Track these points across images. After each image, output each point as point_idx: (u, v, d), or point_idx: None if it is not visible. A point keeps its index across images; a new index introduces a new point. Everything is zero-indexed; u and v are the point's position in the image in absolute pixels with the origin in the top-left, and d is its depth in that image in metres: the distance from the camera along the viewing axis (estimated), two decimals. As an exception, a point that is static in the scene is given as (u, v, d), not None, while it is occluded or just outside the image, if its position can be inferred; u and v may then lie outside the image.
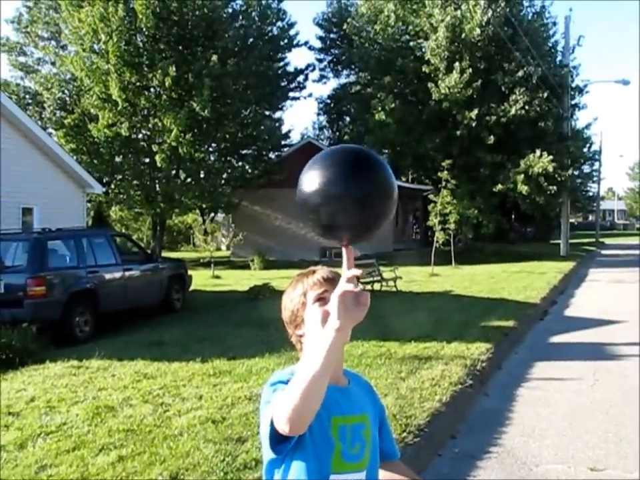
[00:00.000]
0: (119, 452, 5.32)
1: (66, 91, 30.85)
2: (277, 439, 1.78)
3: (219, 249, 35.79)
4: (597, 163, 53.06)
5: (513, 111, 29.33)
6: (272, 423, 1.75)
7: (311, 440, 1.89)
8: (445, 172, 24.91)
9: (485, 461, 5.70)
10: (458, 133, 29.68)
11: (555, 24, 35.16)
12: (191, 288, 16.06)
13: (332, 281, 2.00)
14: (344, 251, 1.70)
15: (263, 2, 30.28)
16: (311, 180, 1.69)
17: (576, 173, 36.18)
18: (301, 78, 34.55)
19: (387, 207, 1.74)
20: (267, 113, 32.60)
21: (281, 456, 1.89)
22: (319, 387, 1.64)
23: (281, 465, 1.92)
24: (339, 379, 2.03)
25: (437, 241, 25.07)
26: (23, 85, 33.44)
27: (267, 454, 1.93)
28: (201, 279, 19.65)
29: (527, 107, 29.58)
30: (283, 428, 1.69)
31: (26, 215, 16.41)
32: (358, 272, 1.64)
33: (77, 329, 11.47)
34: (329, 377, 1.66)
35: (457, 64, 28.84)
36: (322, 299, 1.99)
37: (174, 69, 24.59)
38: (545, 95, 30.32)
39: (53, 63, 31.87)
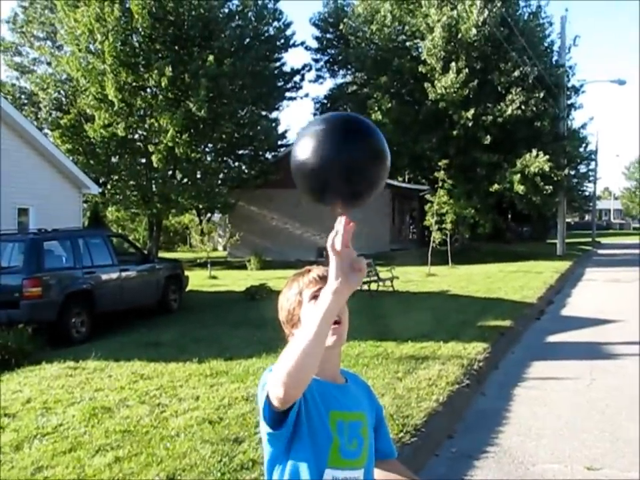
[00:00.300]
0: (115, 453, 5.31)
1: (62, 91, 30.81)
2: (273, 416, 1.78)
3: (215, 250, 35.75)
4: (593, 163, 53.21)
5: (509, 111, 29.36)
6: (267, 398, 1.75)
7: (309, 433, 1.89)
8: (442, 172, 24.92)
9: (482, 460, 5.70)
10: (454, 132, 29.71)
11: (551, 24, 35.25)
12: (188, 288, 16.05)
13: (327, 279, 2.00)
14: (339, 218, 1.71)
15: (260, 2, 30.28)
16: (304, 146, 1.69)
17: (572, 172, 36.27)
18: (297, 78, 34.59)
19: (378, 172, 1.72)
20: (264, 113, 32.58)
21: (280, 451, 1.90)
22: (314, 350, 1.64)
23: (280, 460, 1.92)
24: (336, 377, 2.04)
25: (434, 241, 25.08)
26: (19, 85, 33.40)
27: (267, 450, 1.93)
28: (197, 280, 19.64)
29: (523, 107, 29.60)
30: (277, 393, 1.68)
31: (22, 215, 16.38)
32: (351, 225, 1.67)
33: (73, 329, 11.45)
34: (324, 343, 1.67)
35: (453, 64, 28.86)
36: (317, 297, 1.98)
37: (170, 69, 24.57)
38: (541, 94, 30.36)
39: (49, 63, 31.82)
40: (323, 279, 2.00)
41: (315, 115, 41.50)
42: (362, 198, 1.72)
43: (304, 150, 1.68)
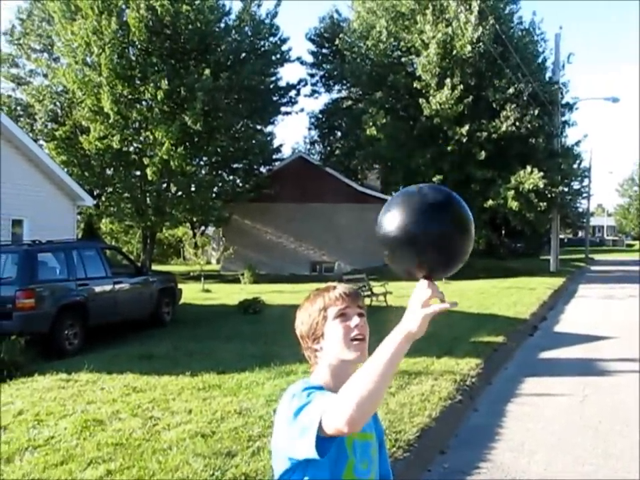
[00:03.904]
0: (107, 466, 5.29)
1: (58, 103, 30.82)
2: (321, 443, 1.79)
3: (209, 263, 35.70)
4: (586, 180, 53.41)
5: (503, 127, 29.45)
6: (320, 427, 1.76)
7: None
8: (436, 187, 24.94)
9: (475, 476, 5.70)
10: (449, 148, 29.78)
11: (544, 41, 35.44)
12: (181, 301, 16.01)
13: (353, 297, 2.06)
14: (425, 281, 1.79)
15: (256, 17, 30.41)
16: (390, 220, 1.81)
17: (566, 189, 36.35)
18: (292, 93, 34.62)
19: (464, 245, 1.83)
20: (259, 127, 32.62)
21: (295, 465, 1.91)
22: (384, 386, 1.71)
23: (294, 475, 1.94)
24: None
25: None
26: (15, 96, 33.40)
27: (281, 464, 1.95)
28: (190, 293, 19.60)
29: (517, 124, 29.69)
30: (341, 427, 1.72)
31: (16, 226, 16.35)
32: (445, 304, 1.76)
33: (66, 341, 11.40)
34: (391, 381, 1.75)
35: (448, 80, 28.98)
36: (343, 315, 2.03)
37: (166, 82, 24.62)
38: (536, 111, 30.47)
39: (45, 75, 31.84)
40: (349, 296, 2.05)
41: (309, 129, 41.62)
42: (448, 270, 1.85)
43: (390, 227, 1.81)
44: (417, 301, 1.75)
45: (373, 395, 1.68)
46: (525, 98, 30.32)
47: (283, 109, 34.66)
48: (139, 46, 26.01)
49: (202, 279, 23.64)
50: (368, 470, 2.01)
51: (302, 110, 50.86)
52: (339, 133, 40.23)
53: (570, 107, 36.42)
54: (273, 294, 19.94)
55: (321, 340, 2.05)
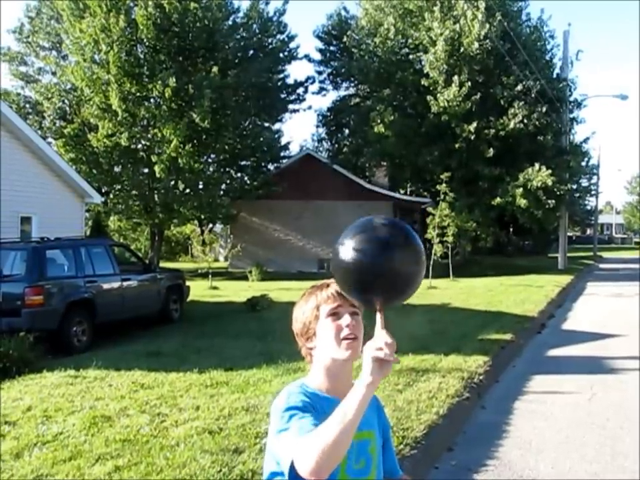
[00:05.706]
0: (115, 462, 5.31)
1: (66, 101, 30.90)
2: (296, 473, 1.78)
3: (216, 260, 35.74)
4: (595, 177, 53.20)
5: (511, 125, 29.39)
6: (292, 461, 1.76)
7: None
8: (444, 185, 24.95)
9: (482, 473, 5.69)
10: (457, 145, 29.73)
11: (553, 38, 35.34)
12: (189, 298, 16.04)
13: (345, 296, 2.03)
14: (377, 315, 1.84)
15: (264, 15, 30.42)
16: (346, 251, 1.84)
17: (574, 186, 36.24)
18: (300, 90, 34.64)
19: (413, 278, 1.87)
20: (267, 124, 32.62)
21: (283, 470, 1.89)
22: (346, 440, 1.70)
23: (284, 476, 1.92)
24: (347, 394, 2.03)
25: (435, 254, 25.06)
26: (24, 94, 33.49)
27: (271, 464, 1.94)
28: (198, 290, 19.64)
29: (525, 121, 29.63)
30: (307, 477, 1.71)
31: (24, 224, 16.40)
32: (392, 342, 1.83)
33: (75, 338, 11.45)
34: (354, 430, 1.72)
35: (455, 77, 28.93)
36: (335, 314, 2.01)
37: (174, 79, 24.64)
38: (544, 108, 30.41)
39: (54, 73, 31.92)
40: (342, 295, 2.02)
41: (317, 126, 41.60)
42: (399, 300, 1.90)
43: (345, 257, 1.84)
44: (369, 350, 1.80)
45: (338, 449, 1.68)
46: (532, 95, 30.26)
47: (291, 106, 34.70)
48: (146, 44, 26.03)
49: (210, 276, 23.67)
50: (366, 468, 2.00)
51: (310, 107, 50.98)
52: (347, 131, 40.20)
53: (578, 104, 36.32)
54: (281, 291, 19.95)
55: (314, 339, 2.05)
